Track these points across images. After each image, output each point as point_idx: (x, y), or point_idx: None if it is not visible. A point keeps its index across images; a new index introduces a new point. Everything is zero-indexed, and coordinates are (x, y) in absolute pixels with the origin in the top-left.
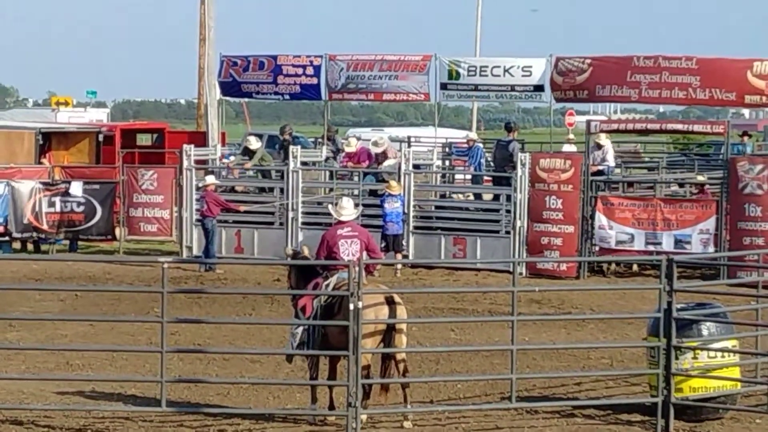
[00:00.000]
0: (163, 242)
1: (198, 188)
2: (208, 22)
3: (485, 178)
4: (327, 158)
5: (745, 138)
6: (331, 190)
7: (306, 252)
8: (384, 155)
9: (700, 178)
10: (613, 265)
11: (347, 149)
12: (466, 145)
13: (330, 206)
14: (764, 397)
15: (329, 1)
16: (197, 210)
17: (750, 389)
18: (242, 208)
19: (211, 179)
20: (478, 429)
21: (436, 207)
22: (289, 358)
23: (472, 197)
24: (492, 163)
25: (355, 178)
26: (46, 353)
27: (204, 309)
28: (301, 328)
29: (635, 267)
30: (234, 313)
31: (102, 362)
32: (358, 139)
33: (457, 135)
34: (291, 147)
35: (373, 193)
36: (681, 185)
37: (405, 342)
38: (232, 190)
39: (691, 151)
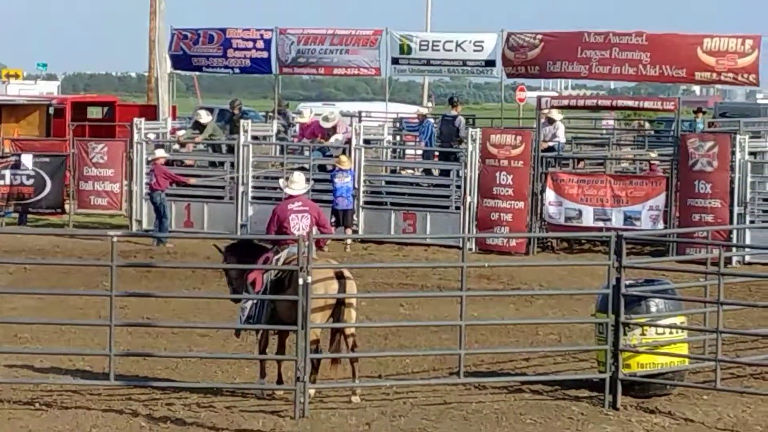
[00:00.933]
0: (112, 216)
1: (148, 162)
2: None
3: (434, 153)
4: (278, 132)
5: (700, 115)
6: (281, 164)
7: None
8: (334, 130)
9: (652, 155)
10: (563, 242)
11: (300, 120)
12: (416, 120)
13: (281, 180)
14: (711, 373)
15: None
16: (148, 184)
17: (697, 366)
18: (192, 180)
19: (160, 152)
20: (426, 404)
21: (387, 182)
22: (238, 332)
23: (421, 173)
24: (438, 139)
25: (306, 153)
26: None
27: (153, 283)
28: (250, 302)
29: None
30: (183, 287)
31: (51, 336)
32: (311, 111)
33: (408, 110)
34: (241, 121)
35: (322, 168)
36: (632, 162)
37: (354, 317)
38: (182, 164)
39: (641, 127)
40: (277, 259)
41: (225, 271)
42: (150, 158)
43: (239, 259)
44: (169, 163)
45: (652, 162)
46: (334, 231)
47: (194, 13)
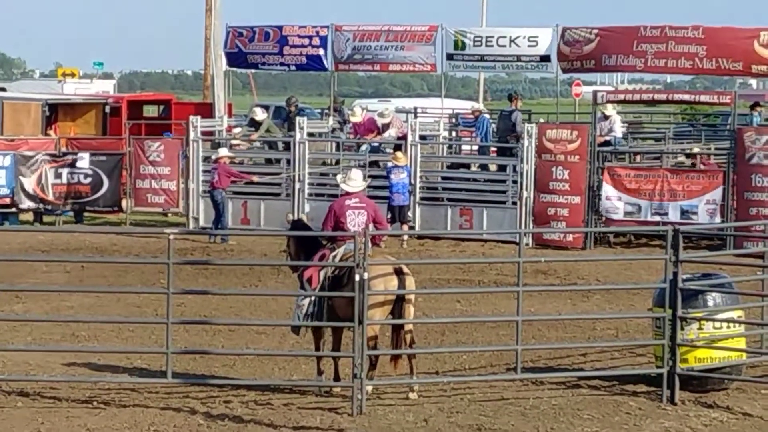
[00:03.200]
0: (167, 214)
1: (207, 159)
2: None
3: (491, 149)
4: (333, 129)
5: (757, 109)
6: (337, 161)
7: (304, 219)
8: (389, 126)
9: (696, 149)
10: (620, 236)
11: (353, 119)
12: (472, 117)
13: (338, 176)
14: None
15: None
16: (205, 181)
17: (755, 360)
18: (255, 178)
19: (223, 152)
20: (483, 400)
21: (443, 178)
22: (296, 329)
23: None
24: (495, 134)
25: (362, 149)
26: (52, 325)
27: (210, 280)
28: (307, 300)
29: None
30: (240, 284)
31: (108, 334)
32: (364, 109)
33: (463, 106)
34: (297, 118)
35: (373, 164)
36: (687, 156)
37: (413, 313)
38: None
39: (697, 121)
40: (334, 256)
41: (288, 244)
42: (214, 157)
43: (300, 239)
44: (231, 161)
45: (701, 156)
46: (390, 227)
47: (250, 11)
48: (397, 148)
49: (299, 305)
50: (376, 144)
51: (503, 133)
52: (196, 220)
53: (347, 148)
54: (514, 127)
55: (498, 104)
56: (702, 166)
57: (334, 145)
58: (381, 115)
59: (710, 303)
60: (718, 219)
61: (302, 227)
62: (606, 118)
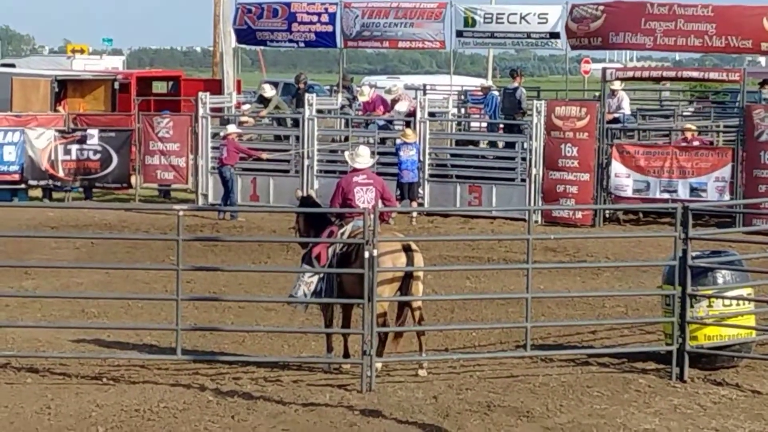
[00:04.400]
0: (168, 193)
1: (216, 136)
2: None
3: (499, 126)
4: (342, 106)
5: (766, 86)
6: (346, 138)
7: (313, 195)
8: (398, 101)
9: (689, 126)
10: (629, 214)
11: (361, 98)
12: (481, 94)
13: (346, 153)
14: None
15: None
16: (214, 158)
17: (765, 337)
18: (263, 155)
19: (232, 128)
20: (492, 377)
21: (452, 155)
22: (303, 305)
23: (486, 146)
24: (501, 112)
25: (371, 127)
26: (62, 301)
27: (219, 257)
28: (316, 277)
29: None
30: (249, 261)
31: (117, 310)
32: (372, 86)
33: (472, 83)
34: (306, 95)
35: (382, 141)
36: (698, 133)
37: (421, 290)
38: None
39: (706, 98)
40: (342, 233)
41: (297, 221)
42: (222, 133)
43: (309, 216)
44: (239, 137)
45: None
46: (399, 204)
47: None
48: (407, 125)
49: (307, 282)
50: (383, 122)
51: (508, 110)
52: (205, 196)
53: (356, 125)
54: (520, 104)
55: (507, 81)
56: (696, 143)
57: (343, 122)
58: (388, 92)
59: (720, 280)
60: (727, 196)
61: (311, 204)
62: (613, 94)
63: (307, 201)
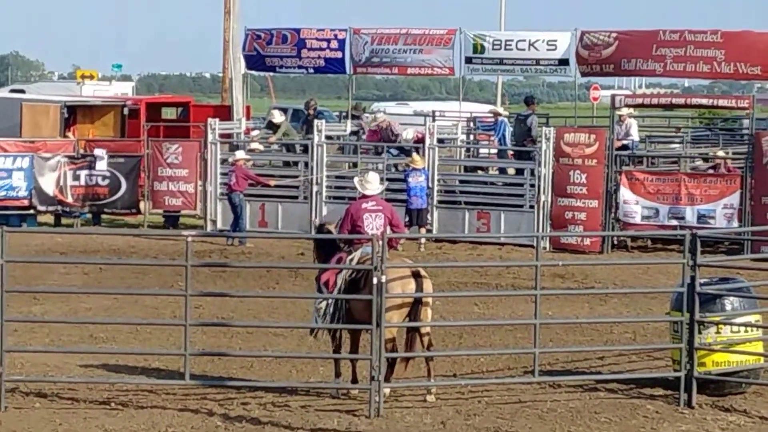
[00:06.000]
0: (184, 215)
1: (225, 162)
2: None
3: (509, 152)
4: (352, 132)
5: None
6: (354, 164)
7: (329, 227)
8: (392, 132)
9: (720, 153)
10: (638, 240)
11: (370, 126)
12: (491, 119)
13: (356, 179)
14: None
15: None
16: (223, 184)
17: None
18: (272, 182)
19: (240, 154)
20: (500, 402)
21: (461, 181)
22: (313, 332)
23: (496, 172)
24: (512, 138)
25: (380, 154)
26: (71, 326)
27: (228, 283)
28: (324, 302)
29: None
30: (258, 286)
31: (126, 335)
32: (374, 113)
33: (481, 109)
34: (315, 121)
35: (392, 167)
36: (705, 160)
37: (430, 316)
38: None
39: (716, 125)
40: (351, 259)
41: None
42: (230, 159)
43: (320, 243)
44: (249, 163)
45: (718, 160)
46: (408, 230)
47: (268, 14)
48: (416, 151)
49: (317, 308)
50: (395, 151)
51: (519, 137)
52: (214, 222)
53: (365, 151)
54: (530, 131)
55: (516, 108)
56: (723, 170)
57: (351, 148)
58: (374, 119)
59: (728, 307)
60: (735, 223)
61: (326, 233)
62: (620, 120)
63: (321, 230)
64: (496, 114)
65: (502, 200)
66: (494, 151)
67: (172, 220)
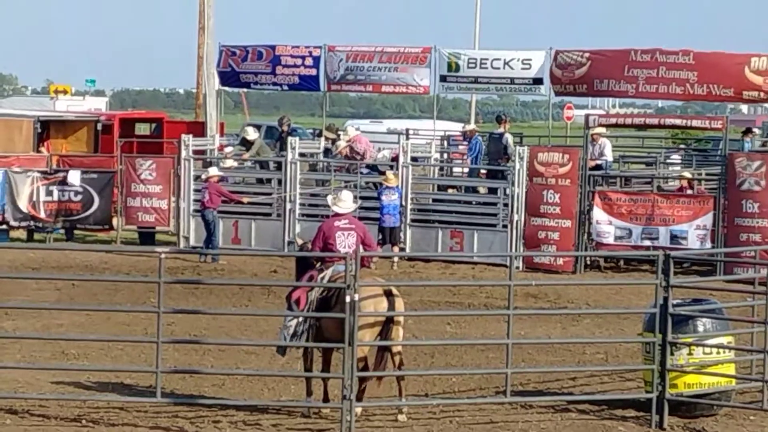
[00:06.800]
0: (157, 232)
1: (198, 178)
2: (208, 11)
3: (481, 171)
4: (326, 150)
5: (749, 135)
6: (325, 182)
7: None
8: (357, 152)
9: (686, 174)
10: (610, 261)
11: (341, 142)
12: (461, 137)
13: (329, 197)
14: (759, 394)
15: None
16: (196, 200)
17: (745, 386)
18: (245, 199)
19: (214, 171)
20: (472, 423)
21: (434, 200)
22: (281, 350)
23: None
24: (486, 156)
25: (354, 171)
26: (42, 342)
27: (201, 300)
28: (294, 321)
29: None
30: (230, 304)
31: (98, 352)
32: (357, 129)
33: (455, 128)
34: (289, 138)
35: (365, 185)
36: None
37: (402, 335)
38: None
39: (689, 146)
40: (322, 278)
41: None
42: (204, 176)
43: (296, 261)
44: (221, 180)
45: (690, 181)
46: (380, 249)
47: (243, 30)
48: (389, 169)
49: (286, 326)
50: (366, 170)
51: (494, 155)
52: (187, 239)
53: (339, 169)
54: (506, 149)
55: (490, 126)
56: (690, 191)
57: (325, 165)
58: (345, 133)
59: (700, 328)
60: (708, 244)
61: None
62: (594, 140)
63: (303, 249)
64: (472, 132)
65: (475, 219)
66: (467, 170)
67: (147, 237)
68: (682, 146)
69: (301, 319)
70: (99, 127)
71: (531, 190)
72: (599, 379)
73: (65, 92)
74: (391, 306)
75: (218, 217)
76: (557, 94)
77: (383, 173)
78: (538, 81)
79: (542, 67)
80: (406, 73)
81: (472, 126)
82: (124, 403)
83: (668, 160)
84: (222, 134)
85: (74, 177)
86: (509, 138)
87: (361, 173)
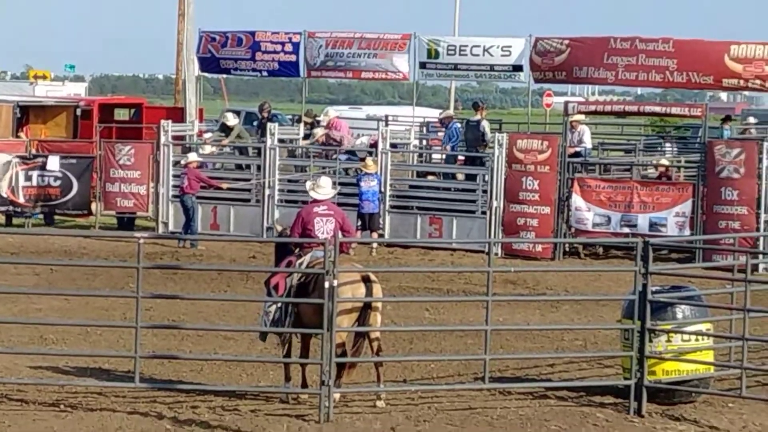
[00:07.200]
0: (136, 217)
1: (177, 164)
2: None
3: (459, 157)
4: (305, 136)
5: (728, 123)
6: (304, 168)
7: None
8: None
9: (664, 161)
10: (589, 247)
11: (321, 125)
12: (438, 123)
13: (307, 183)
14: (737, 381)
15: None
16: (175, 186)
17: (723, 373)
18: (224, 185)
19: (193, 156)
20: (450, 409)
21: (413, 186)
22: (263, 336)
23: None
24: (464, 144)
25: (333, 157)
26: (21, 327)
27: (179, 285)
28: (274, 306)
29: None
30: (209, 289)
31: (76, 337)
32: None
33: (434, 114)
34: (269, 124)
35: (345, 172)
36: (657, 168)
37: (380, 321)
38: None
39: (668, 133)
40: (300, 263)
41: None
42: (183, 162)
43: (275, 247)
44: (200, 166)
45: (667, 168)
46: (360, 235)
47: (222, 16)
48: (368, 155)
49: (266, 312)
50: (345, 155)
51: (471, 142)
52: (166, 224)
53: (317, 155)
54: (483, 136)
55: (469, 113)
56: (665, 179)
57: (304, 152)
58: (326, 114)
59: (679, 315)
60: (687, 231)
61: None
62: (573, 127)
63: (282, 235)
64: (449, 118)
65: (454, 206)
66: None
67: (127, 222)
68: (672, 135)
69: (280, 304)
70: (78, 112)
71: (510, 176)
72: (578, 366)
73: (44, 77)
74: (369, 292)
75: (197, 202)
76: (537, 81)
77: (363, 159)
78: (517, 68)
79: (522, 54)
80: (386, 59)
81: (449, 112)
82: (102, 388)
83: (660, 149)
84: (201, 120)
85: (53, 162)
86: (486, 125)
87: (340, 160)
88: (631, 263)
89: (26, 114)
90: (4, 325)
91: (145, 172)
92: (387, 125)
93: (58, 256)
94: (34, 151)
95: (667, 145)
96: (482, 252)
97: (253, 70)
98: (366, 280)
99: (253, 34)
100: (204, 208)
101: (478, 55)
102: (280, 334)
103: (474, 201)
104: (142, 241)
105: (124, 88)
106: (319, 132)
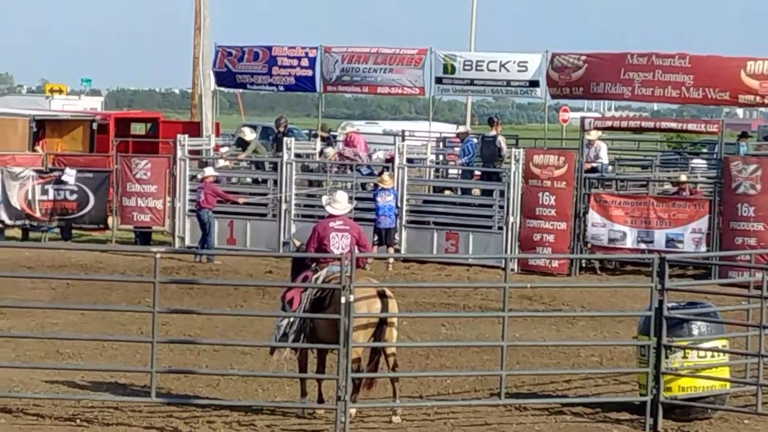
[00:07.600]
0: (153, 231)
1: (194, 178)
2: (204, 11)
3: (475, 173)
4: (321, 151)
5: (744, 140)
6: (320, 183)
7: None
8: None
9: (683, 177)
10: (605, 263)
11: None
12: (457, 139)
13: (324, 198)
14: (753, 397)
15: None
16: (192, 200)
17: (739, 389)
18: (241, 200)
19: (210, 171)
20: (466, 425)
21: (429, 201)
22: (272, 349)
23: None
24: (480, 159)
25: (348, 172)
26: (37, 341)
27: (195, 300)
28: (285, 321)
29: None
30: (225, 304)
31: (92, 351)
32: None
33: (451, 129)
34: (285, 139)
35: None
36: (674, 184)
37: (395, 336)
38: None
39: (684, 149)
40: (317, 278)
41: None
42: (199, 176)
43: (292, 262)
44: (216, 181)
45: (682, 184)
46: (376, 250)
47: (239, 31)
48: (385, 170)
49: (278, 326)
50: (365, 170)
51: (488, 158)
52: (182, 239)
53: (336, 170)
54: (500, 152)
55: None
56: (684, 194)
57: (320, 166)
58: (343, 127)
59: (695, 332)
60: (703, 248)
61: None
62: (590, 143)
63: (299, 250)
64: (464, 134)
65: (470, 221)
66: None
67: (144, 237)
68: (704, 151)
69: (291, 319)
70: (94, 126)
71: (526, 192)
72: (594, 382)
73: (61, 91)
74: (385, 307)
75: (214, 217)
76: (553, 96)
77: (379, 174)
78: (534, 83)
79: (538, 69)
80: (402, 74)
81: (464, 128)
82: (118, 402)
83: (691, 164)
84: (218, 134)
85: (70, 176)
86: (502, 140)
87: (360, 173)
88: (647, 279)
89: (42, 128)
90: (21, 339)
91: (161, 186)
92: (403, 140)
93: (75, 270)
94: (50, 165)
95: (697, 160)
96: (498, 267)
97: (270, 84)
98: (382, 295)
99: (269, 48)
100: (220, 222)
101: (494, 70)
102: (297, 349)
103: (490, 216)
104: (158, 255)
105: (141, 102)
106: (330, 152)
